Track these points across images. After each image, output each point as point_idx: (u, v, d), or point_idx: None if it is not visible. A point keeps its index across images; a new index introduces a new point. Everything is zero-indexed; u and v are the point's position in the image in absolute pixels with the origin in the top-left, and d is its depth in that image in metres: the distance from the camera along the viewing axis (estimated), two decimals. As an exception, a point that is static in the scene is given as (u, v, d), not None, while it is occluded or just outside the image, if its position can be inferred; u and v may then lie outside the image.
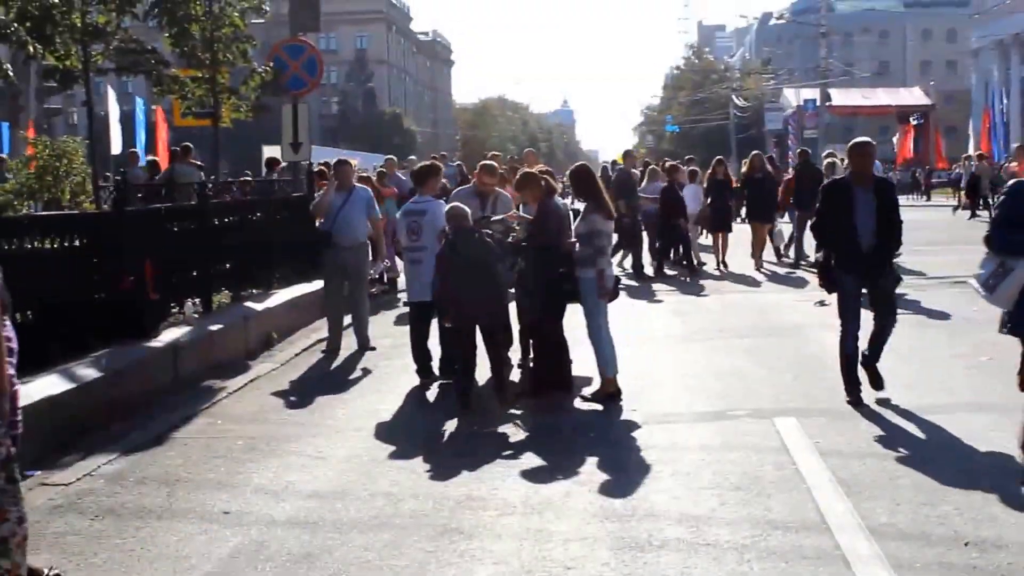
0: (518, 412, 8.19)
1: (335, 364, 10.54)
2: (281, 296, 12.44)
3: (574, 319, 8.68)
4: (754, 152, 20.50)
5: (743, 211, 20.31)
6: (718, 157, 19.47)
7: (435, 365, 9.36)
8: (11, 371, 4.63)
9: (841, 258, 7.90)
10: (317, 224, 11.37)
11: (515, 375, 9.53)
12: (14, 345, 4.75)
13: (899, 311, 8.22)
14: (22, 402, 6.87)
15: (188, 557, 5.22)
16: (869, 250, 7.77)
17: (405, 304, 10.61)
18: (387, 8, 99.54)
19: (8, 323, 4.70)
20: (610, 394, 8.26)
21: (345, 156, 18.96)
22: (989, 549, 5.01)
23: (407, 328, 9.69)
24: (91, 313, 8.88)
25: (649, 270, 17.23)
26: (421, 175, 9.96)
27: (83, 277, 8.83)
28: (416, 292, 9.28)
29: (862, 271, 7.83)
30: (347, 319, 11.22)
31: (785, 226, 19.39)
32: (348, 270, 10.94)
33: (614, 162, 27.27)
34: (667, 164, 19.54)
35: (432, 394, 9.00)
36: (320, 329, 11.97)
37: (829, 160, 17.42)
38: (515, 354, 9.74)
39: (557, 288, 8.45)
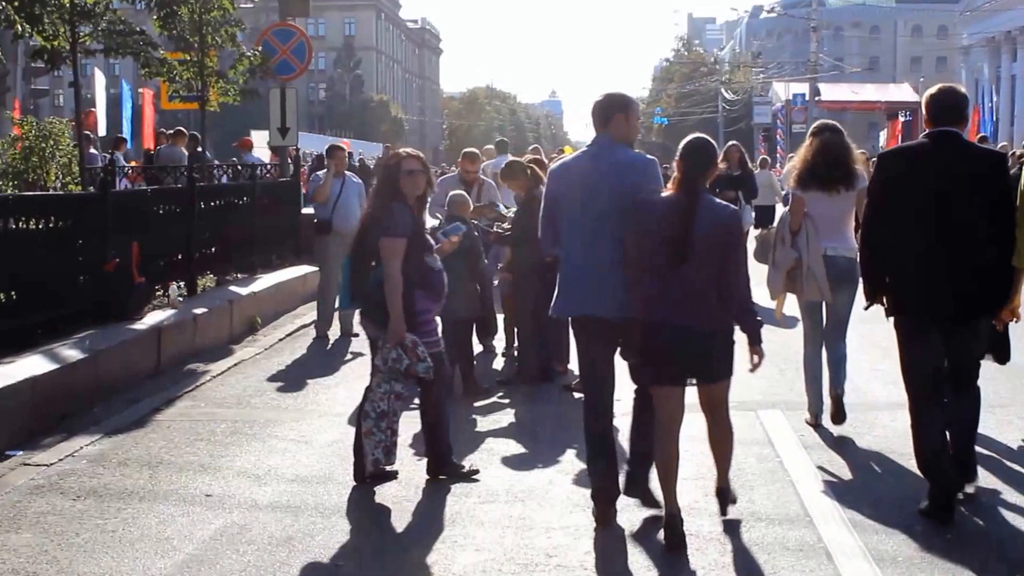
0: (503, 400, 8.19)
1: (320, 350, 10.50)
2: (266, 281, 12.39)
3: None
4: (731, 143, 17.59)
5: None
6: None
7: None
8: None
9: None
10: (313, 209, 11.31)
11: (499, 363, 9.54)
12: None
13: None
14: (5, 382, 6.90)
15: (170, 539, 5.20)
16: None
17: None
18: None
19: None
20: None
21: (334, 141, 18.93)
22: (971, 542, 5.05)
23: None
24: (75, 295, 8.84)
25: None
26: None
27: (68, 258, 8.77)
28: None
29: None
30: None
31: None
32: (344, 257, 10.83)
33: None
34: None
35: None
36: (304, 315, 11.95)
37: None
38: (499, 342, 9.76)
39: (544, 277, 8.41)
